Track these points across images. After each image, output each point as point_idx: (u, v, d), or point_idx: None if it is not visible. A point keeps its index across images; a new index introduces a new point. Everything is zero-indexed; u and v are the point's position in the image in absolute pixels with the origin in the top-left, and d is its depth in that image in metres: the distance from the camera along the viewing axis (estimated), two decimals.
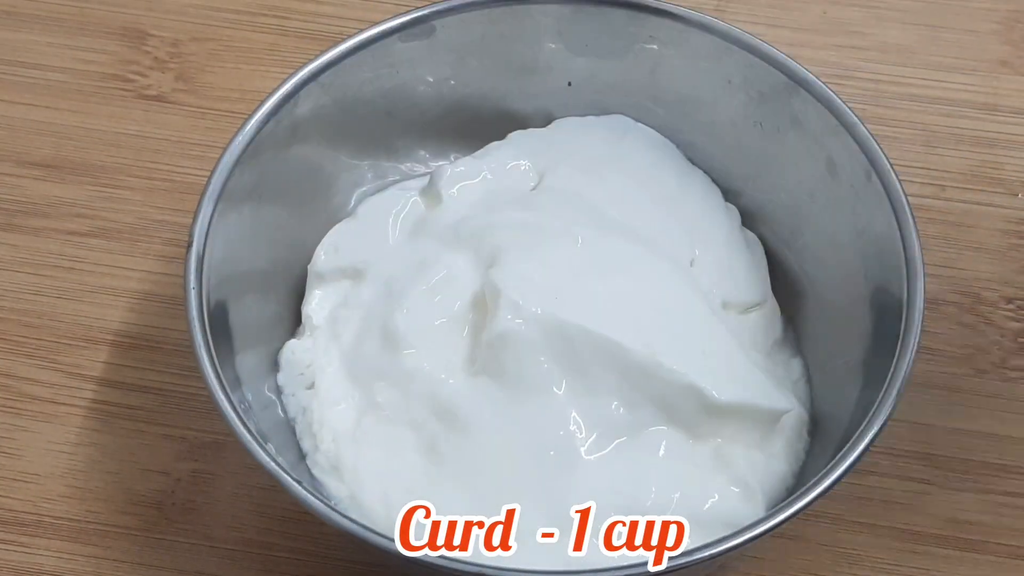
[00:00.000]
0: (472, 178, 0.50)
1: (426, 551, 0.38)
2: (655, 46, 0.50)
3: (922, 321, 0.42)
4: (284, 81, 0.47)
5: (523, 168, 0.50)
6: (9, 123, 0.58)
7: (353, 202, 0.51)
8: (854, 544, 0.48)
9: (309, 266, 0.50)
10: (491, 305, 0.45)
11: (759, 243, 0.51)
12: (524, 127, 0.52)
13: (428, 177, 0.51)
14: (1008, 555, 0.48)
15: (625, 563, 0.39)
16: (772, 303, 0.50)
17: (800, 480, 0.45)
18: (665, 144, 0.52)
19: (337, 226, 0.50)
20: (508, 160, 0.50)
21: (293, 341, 0.48)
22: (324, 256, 0.49)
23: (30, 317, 0.53)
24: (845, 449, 0.40)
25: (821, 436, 0.46)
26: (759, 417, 0.45)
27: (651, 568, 0.38)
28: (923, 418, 0.50)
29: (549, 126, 0.52)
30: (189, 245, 0.44)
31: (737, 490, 0.44)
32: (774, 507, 0.42)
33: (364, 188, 0.52)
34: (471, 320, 0.46)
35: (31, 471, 0.49)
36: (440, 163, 0.52)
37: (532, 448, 0.44)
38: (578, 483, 0.43)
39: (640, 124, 0.52)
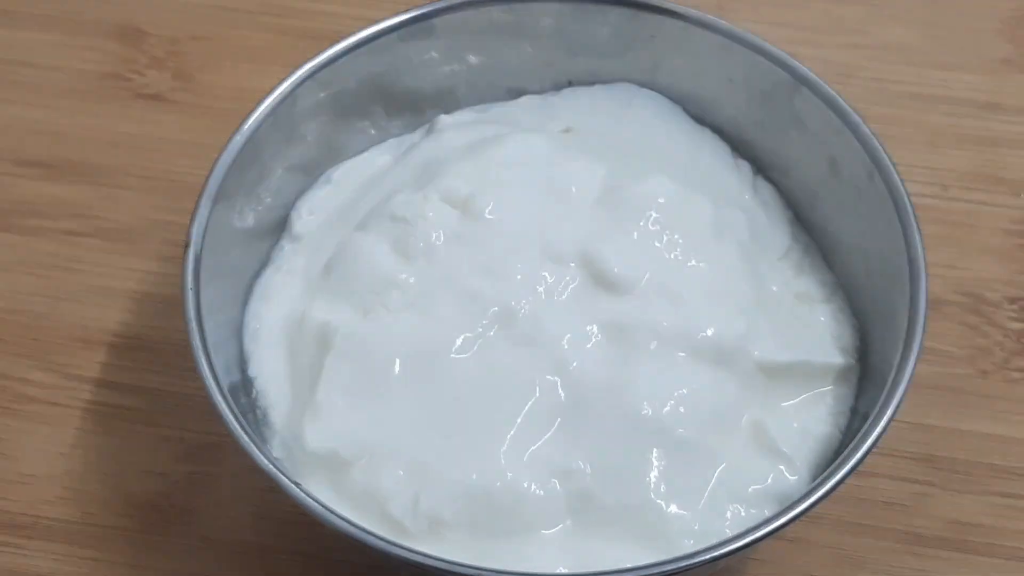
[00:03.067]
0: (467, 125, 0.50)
1: (424, 553, 0.38)
2: (656, 45, 0.50)
3: (925, 322, 0.42)
4: (283, 80, 0.47)
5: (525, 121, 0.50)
6: (6, 122, 0.57)
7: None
8: (856, 546, 0.48)
9: (284, 231, 0.49)
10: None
11: (774, 191, 0.50)
12: None
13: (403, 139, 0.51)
14: (1010, 557, 0.48)
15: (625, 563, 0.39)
16: (799, 248, 0.49)
17: (847, 436, 0.44)
18: (672, 108, 0.51)
19: (312, 191, 0.50)
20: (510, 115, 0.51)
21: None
22: (301, 219, 0.49)
23: (27, 318, 0.52)
24: (847, 452, 0.40)
25: (867, 383, 0.45)
26: (814, 373, 0.45)
27: (654, 571, 0.38)
28: (925, 419, 0.50)
29: (558, 93, 0.52)
30: (187, 245, 0.44)
31: (782, 467, 0.43)
32: (819, 475, 0.42)
33: None
34: None
35: (27, 472, 0.49)
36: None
37: None
38: None
39: (645, 89, 0.51)
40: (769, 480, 0.43)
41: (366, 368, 0.44)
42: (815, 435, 0.44)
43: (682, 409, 0.43)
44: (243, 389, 0.45)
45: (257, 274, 0.48)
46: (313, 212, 0.49)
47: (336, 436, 0.43)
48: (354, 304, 0.45)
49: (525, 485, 0.42)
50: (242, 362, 0.46)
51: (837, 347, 0.46)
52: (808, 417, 0.45)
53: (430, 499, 0.42)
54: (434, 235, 0.45)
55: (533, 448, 0.42)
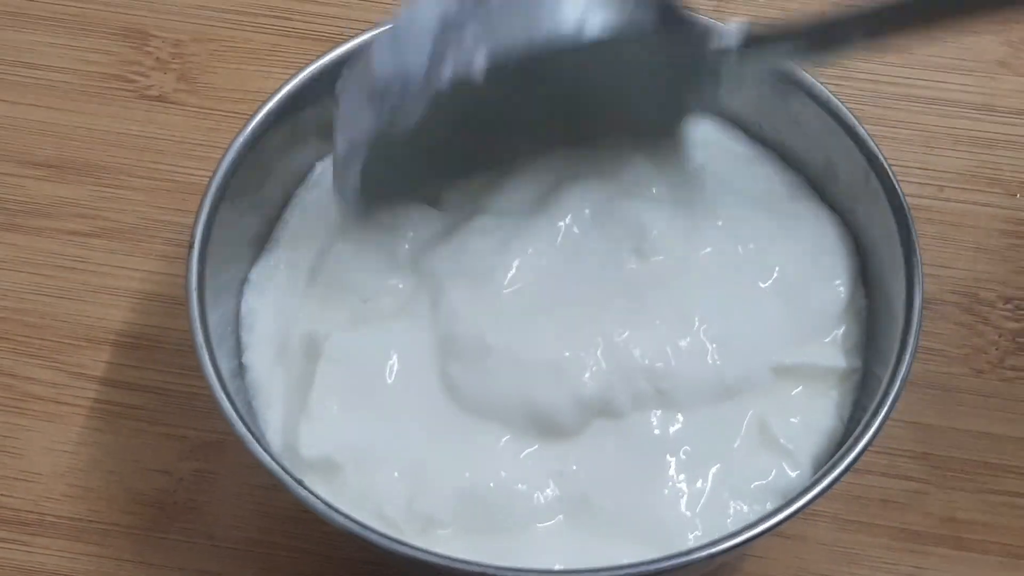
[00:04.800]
0: None
1: (427, 551, 0.39)
2: None
3: (920, 321, 0.42)
4: (286, 81, 0.47)
5: None
6: (11, 123, 0.58)
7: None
8: (852, 543, 0.48)
9: (283, 229, 0.49)
10: None
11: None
12: None
13: None
14: (1006, 554, 0.48)
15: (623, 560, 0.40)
16: None
17: (850, 429, 0.44)
18: None
19: (306, 187, 0.49)
20: None
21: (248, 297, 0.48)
22: (296, 216, 0.49)
23: (32, 317, 0.53)
24: (842, 451, 0.40)
25: (866, 379, 0.45)
26: (819, 373, 0.45)
27: (651, 568, 0.38)
28: (921, 418, 0.51)
29: None
30: (191, 245, 0.44)
31: (784, 462, 0.43)
32: (820, 469, 0.42)
33: None
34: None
35: (33, 470, 0.50)
36: None
37: None
38: None
39: None
40: (772, 476, 0.43)
41: (358, 374, 0.44)
42: (818, 429, 0.44)
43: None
44: (239, 374, 0.45)
45: (252, 265, 0.48)
46: (307, 210, 0.49)
47: (330, 442, 0.43)
48: (343, 310, 0.45)
49: (519, 484, 0.42)
50: (238, 351, 0.46)
51: (843, 348, 0.46)
52: (811, 412, 0.44)
53: (424, 499, 0.42)
54: (419, 236, 0.45)
55: (528, 451, 0.43)
